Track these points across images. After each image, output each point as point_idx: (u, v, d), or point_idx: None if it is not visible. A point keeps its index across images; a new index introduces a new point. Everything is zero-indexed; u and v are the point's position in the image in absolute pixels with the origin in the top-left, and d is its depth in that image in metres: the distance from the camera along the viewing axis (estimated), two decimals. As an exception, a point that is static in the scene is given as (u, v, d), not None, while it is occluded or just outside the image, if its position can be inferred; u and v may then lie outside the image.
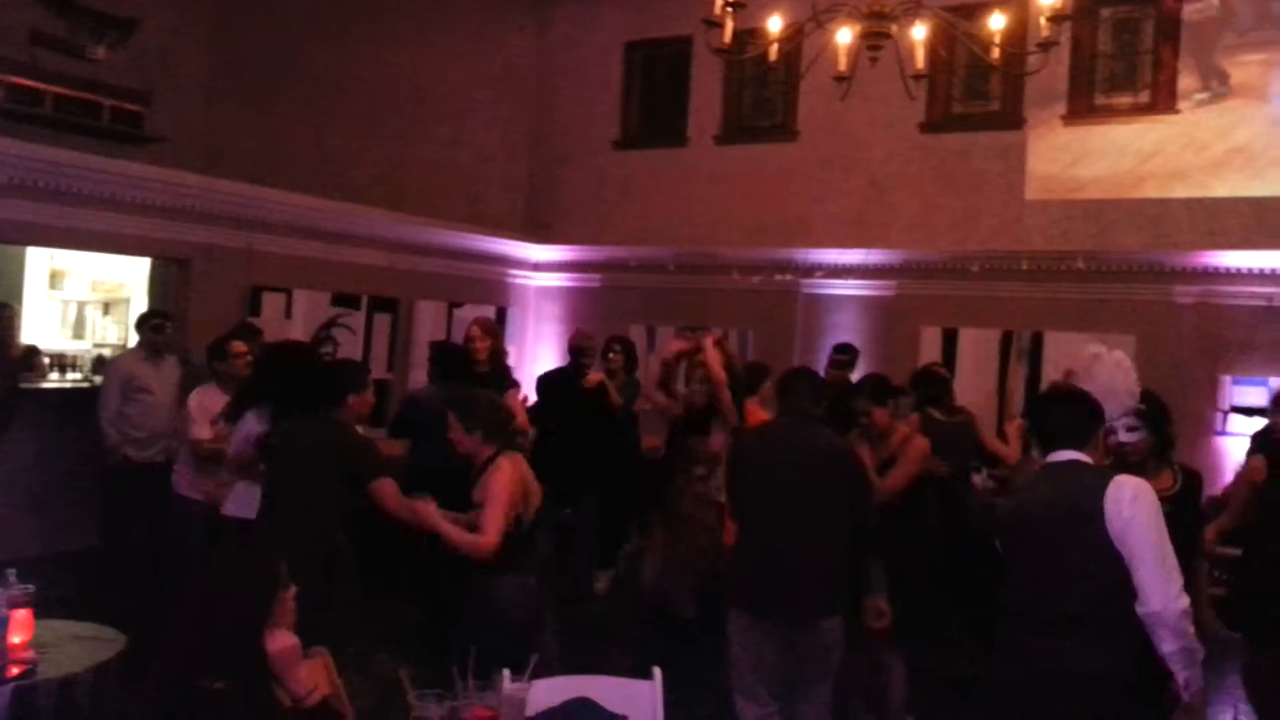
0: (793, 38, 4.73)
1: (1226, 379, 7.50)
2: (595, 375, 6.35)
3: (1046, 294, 8.18)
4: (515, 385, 5.59)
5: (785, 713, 3.58)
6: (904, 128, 8.56)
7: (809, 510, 3.51)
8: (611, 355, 6.51)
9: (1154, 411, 3.34)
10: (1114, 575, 2.62)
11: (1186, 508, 3.23)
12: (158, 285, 7.74)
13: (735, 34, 4.50)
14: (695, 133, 9.79)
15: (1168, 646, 2.58)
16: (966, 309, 8.52)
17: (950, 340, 8.56)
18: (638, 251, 9.86)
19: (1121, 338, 7.58)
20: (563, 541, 6.19)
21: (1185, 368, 7.40)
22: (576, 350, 6.59)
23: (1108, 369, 3.30)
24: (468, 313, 8.95)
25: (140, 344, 6.09)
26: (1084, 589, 2.66)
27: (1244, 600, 4.21)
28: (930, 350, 8.51)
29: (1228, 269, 7.62)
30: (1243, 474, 4.38)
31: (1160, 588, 2.57)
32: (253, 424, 4.13)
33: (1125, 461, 3.21)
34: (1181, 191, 7.71)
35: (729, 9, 4.32)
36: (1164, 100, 7.82)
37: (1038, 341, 8.19)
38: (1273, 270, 7.45)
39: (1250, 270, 7.54)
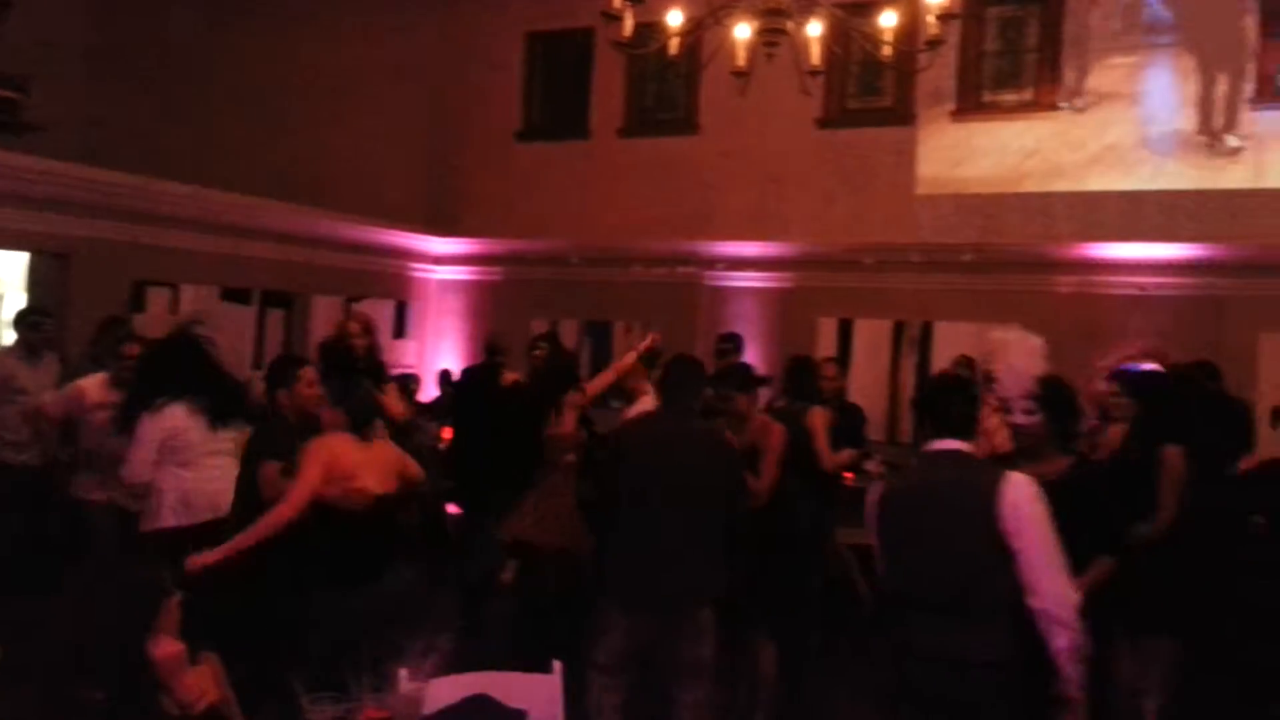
0: (692, 32, 4.77)
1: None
2: (511, 375, 6.29)
3: (936, 285, 8.46)
4: (390, 381, 5.56)
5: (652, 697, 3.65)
6: (801, 123, 8.73)
7: (686, 500, 3.54)
8: (536, 352, 6.46)
9: (1053, 397, 3.36)
10: (1001, 566, 2.66)
11: (1081, 494, 3.21)
12: (36, 281, 7.36)
13: (636, 27, 4.52)
14: (598, 125, 9.78)
15: (1059, 642, 2.63)
16: (861, 300, 8.76)
17: (845, 330, 8.79)
18: (540, 244, 9.82)
19: (1004, 326, 7.91)
20: (472, 533, 6.13)
21: (1065, 354, 7.72)
22: (493, 348, 6.53)
23: (1016, 350, 3.35)
24: (367, 308, 8.78)
25: (16, 342, 5.80)
26: (974, 578, 2.69)
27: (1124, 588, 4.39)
28: (827, 340, 8.72)
29: (1104, 260, 8.02)
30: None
31: (1052, 584, 2.62)
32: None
33: (1019, 444, 3.24)
34: (1061, 186, 8.06)
35: (627, 3, 4.33)
36: (1046, 98, 8.16)
37: (928, 331, 8.48)
38: (1144, 260, 7.86)
39: (1124, 261, 7.95)
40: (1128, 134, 7.90)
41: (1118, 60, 7.92)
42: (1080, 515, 2.94)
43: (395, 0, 9.87)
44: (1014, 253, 8.21)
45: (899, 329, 8.63)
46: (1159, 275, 7.88)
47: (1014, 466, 3.13)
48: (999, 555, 2.65)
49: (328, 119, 9.24)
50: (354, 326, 5.49)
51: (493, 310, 9.96)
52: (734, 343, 7.46)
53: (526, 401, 5.90)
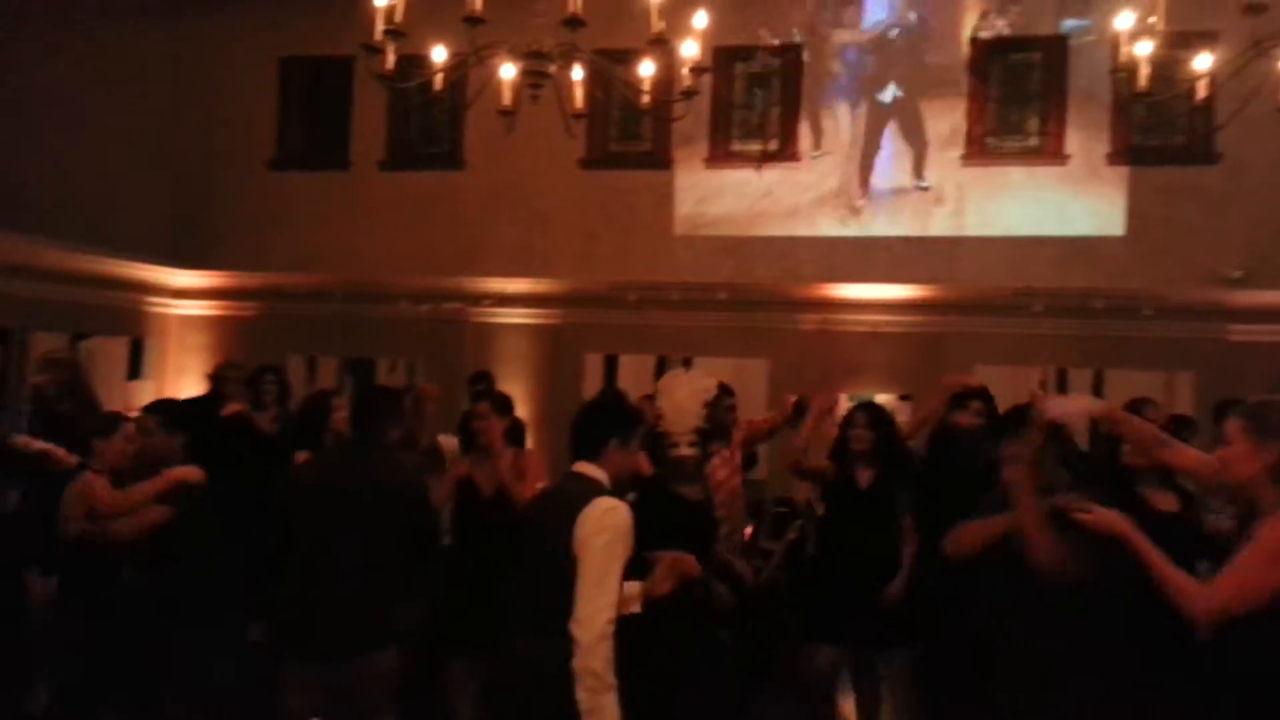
0: (457, 69, 4.79)
1: (843, 397, 8.54)
2: (234, 405, 5.91)
3: (695, 322, 8.87)
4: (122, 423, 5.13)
5: None
6: (565, 162, 8.92)
7: (347, 543, 3.43)
8: (264, 387, 6.14)
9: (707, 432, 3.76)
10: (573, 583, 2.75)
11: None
12: None
13: (398, 60, 4.48)
14: (358, 157, 9.52)
15: (575, 662, 2.66)
16: (626, 336, 9.02)
17: (611, 366, 9.02)
18: (297, 279, 9.40)
19: (757, 361, 8.43)
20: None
21: (809, 387, 8.31)
22: (217, 379, 6.17)
23: (684, 389, 3.61)
24: (95, 345, 8.07)
25: None
26: (554, 596, 2.76)
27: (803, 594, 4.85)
28: (594, 376, 8.91)
29: (841, 299, 8.71)
30: None
31: (587, 606, 2.69)
32: None
33: (680, 473, 3.57)
34: (801, 230, 8.69)
35: (388, 38, 4.29)
36: (790, 148, 8.79)
37: (688, 366, 8.84)
38: (876, 300, 8.62)
39: (859, 300, 8.67)
40: (848, 182, 8.64)
41: (847, 114, 8.68)
42: None
43: (136, 18, 9.20)
44: (763, 292, 8.76)
45: (661, 364, 8.95)
46: (889, 314, 8.67)
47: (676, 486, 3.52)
48: (572, 570, 2.75)
49: (51, 140, 8.43)
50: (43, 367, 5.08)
51: (245, 348, 9.40)
52: (485, 382, 7.43)
53: (252, 434, 5.57)
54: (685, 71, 4.73)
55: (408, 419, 4.01)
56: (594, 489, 2.88)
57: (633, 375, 8.82)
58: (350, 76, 9.30)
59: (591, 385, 8.86)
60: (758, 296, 8.79)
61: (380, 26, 4.26)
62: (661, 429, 3.52)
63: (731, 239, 8.84)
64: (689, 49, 4.70)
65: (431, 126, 9.55)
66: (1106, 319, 8.18)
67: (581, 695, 2.64)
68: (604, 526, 2.75)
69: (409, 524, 3.52)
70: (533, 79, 4.56)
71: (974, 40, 8.45)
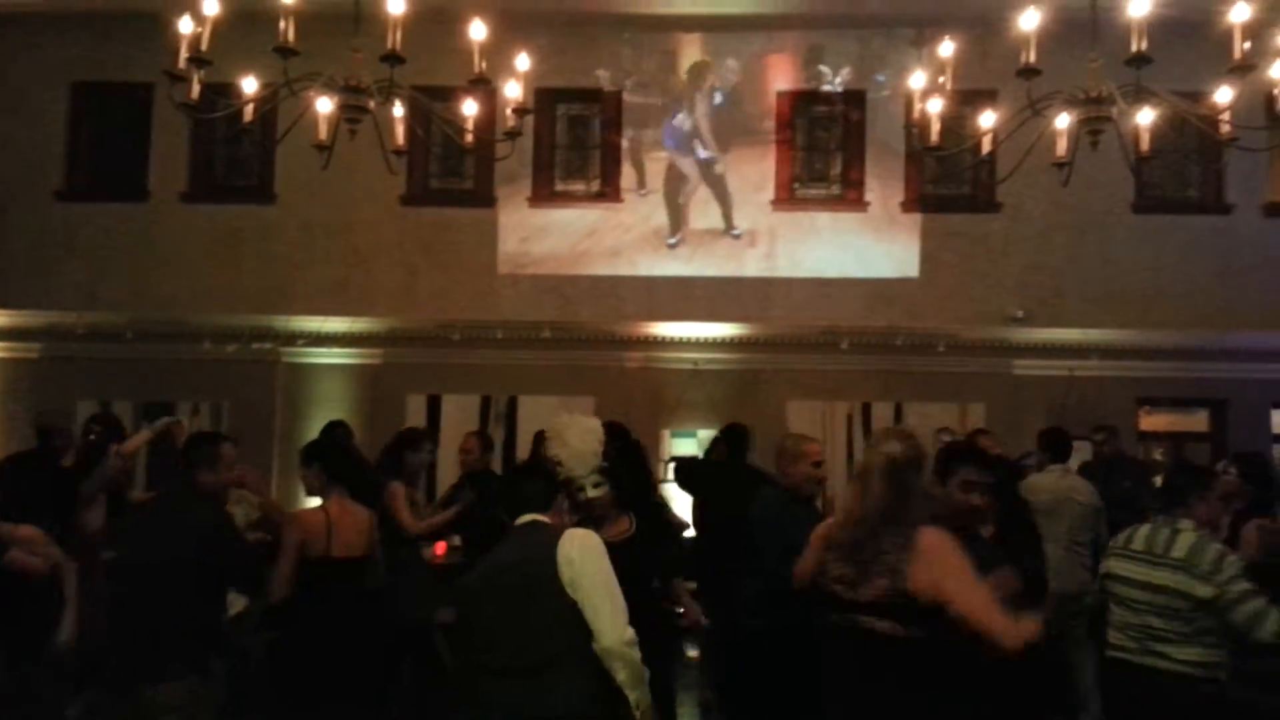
0: (268, 100, 4.62)
1: (666, 432, 8.72)
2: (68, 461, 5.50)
3: (520, 361, 8.84)
4: None
5: None
6: (385, 199, 8.74)
7: (144, 580, 3.52)
8: (92, 436, 5.74)
9: (615, 467, 3.77)
10: (571, 621, 2.88)
11: (643, 547, 3.69)
12: None
13: (204, 88, 4.28)
14: (157, 188, 8.96)
15: (620, 675, 2.88)
16: (449, 376, 8.88)
17: (434, 406, 8.84)
18: (89, 317, 8.73)
19: (583, 399, 8.47)
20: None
21: (635, 423, 8.44)
22: (45, 431, 5.69)
23: (575, 433, 3.65)
24: None
25: None
26: (545, 639, 2.89)
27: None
28: (416, 417, 8.71)
29: (664, 338, 8.91)
30: None
31: (610, 624, 2.86)
32: None
33: (591, 513, 3.56)
34: (624, 270, 8.85)
35: (193, 65, 4.10)
36: (610, 190, 8.96)
37: (513, 405, 8.81)
38: (697, 338, 8.87)
39: (681, 338, 8.90)
40: (666, 225, 8.90)
41: (663, 157, 8.95)
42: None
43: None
44: (587, 330, 8.85)
45: (486, 404, 8.86)
46: (708, 351, 8.93)
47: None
48: (563, 608, 2.88)
49: None
50: None
51: (29, 392, 8.65)
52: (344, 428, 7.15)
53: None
54: (509, 112, 4.76)
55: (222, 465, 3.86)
56: (550, 530, 3.02)
57: (456, 416, 8.68)
58: (149, 104, 8.78)
59: (413, 425, 8.64)
60: (582, 335, 8.86)
61: (185, 54, 4.06)
62: (564, 476, 3.51)
63: (556, 278, 8.89)
64: (512, 90, 4.72)
65: (239, 158, 9.16)
66: (906, 355, 8.73)
67: (634, 694, 2.89)
68: (588, 548, 2.92)
69: (210, 564, 3.57)
70: (351, 113, 4.45)
71: (781, 93, 8.91)
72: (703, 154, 8.87)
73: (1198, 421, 9.14)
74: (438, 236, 8.94)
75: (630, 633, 2.89)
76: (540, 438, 5.99)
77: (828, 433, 8.73)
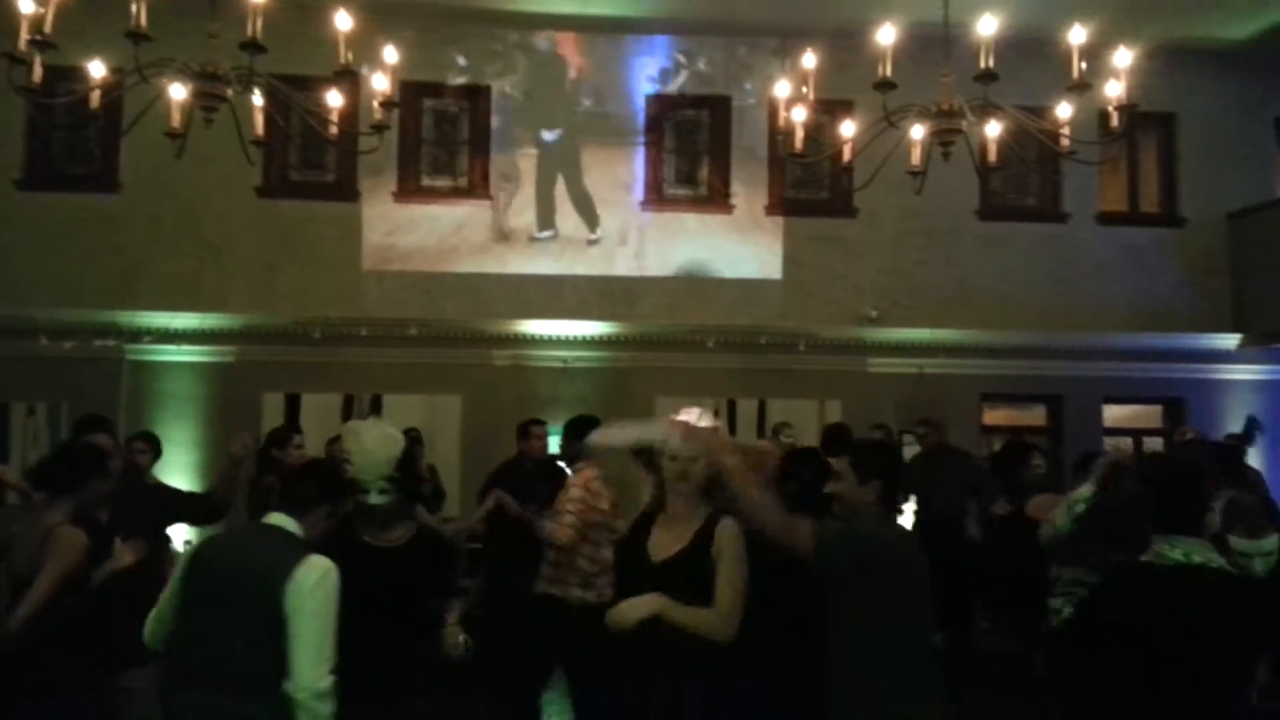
0: (116, 86, 4.38)
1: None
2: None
3: (385, 359, 8.64)
4: None
5: None
6: (241, 191, 8.40)
7: None
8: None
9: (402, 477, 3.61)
10: (281, 647, 2.67)
11: (418, 556, 3.51)
12: None
13: (46, 70, 4.02)
14: (-13, 173, 8.36)
15: None
16: (309, 375, 8.60)
17: (293, 405, 8.54)
18: (-96, 311, 8.05)
19: (449, 397, 8.37)
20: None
21: (503, 422, 8.38)
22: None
23: (372, 436, 3.54)
24: None
25: None
26: (264, 652, 2.67)
27: None
28: (273, 416, 8.40)
29: (533, 335, 8.88)
30: None
31: (308, 667, 2.64)
32: None
33: (374, 519, 3.43)
34: (493, 268, 8.79)
35: (34, 47, 3.84)
36: (478, 186, 8.87)
37: (378, 404, 8.60)
38: (566, 336, 8.88)
39: (550, 336, 8.89)
40: (531, 223, 8.89)
41: (531, 153, 8.94)
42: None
43: None
44: (455, 328, 8.73)
45: (349, 403, 8.62)
46: (579, 349, 8.96)
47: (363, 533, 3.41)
48: (278, 630, 2.67)
49: None
50: None
51: None
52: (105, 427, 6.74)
53: None
54: (375, 105, 4.65)
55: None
56: (298, 547, 2.81)
57: (317, 415, 8.40)
58: (-23, 82, 8.14)
59: (271, 425, 8.33)
60: (449, 332, 8.74)
61: (25, 35, 3.80)
62: (350, 476, 3.39)
63: (422, 274, 8.74)
64: (379, 82, 4.62)
65: (81, 144, 8.61)
66: (769, 353, 8.98)
67: None
68: (320, 589, 2.71)
69: None
70: (206, 101, 4.26)
71: (650, 96, 9.03)
72: (551, 136, 8.85)
73: (1036, 416, 9.75)
74: (297, 230, 8.65)
75: (325, 685, 2.65)
76: (335, 438, 5.90)
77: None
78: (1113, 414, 9.60)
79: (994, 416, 9.65)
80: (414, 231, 8.78)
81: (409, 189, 8.81)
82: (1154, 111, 8.43)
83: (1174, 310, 9.24)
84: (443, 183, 8.94)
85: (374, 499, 3.39)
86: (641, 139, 8.99)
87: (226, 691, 2.67)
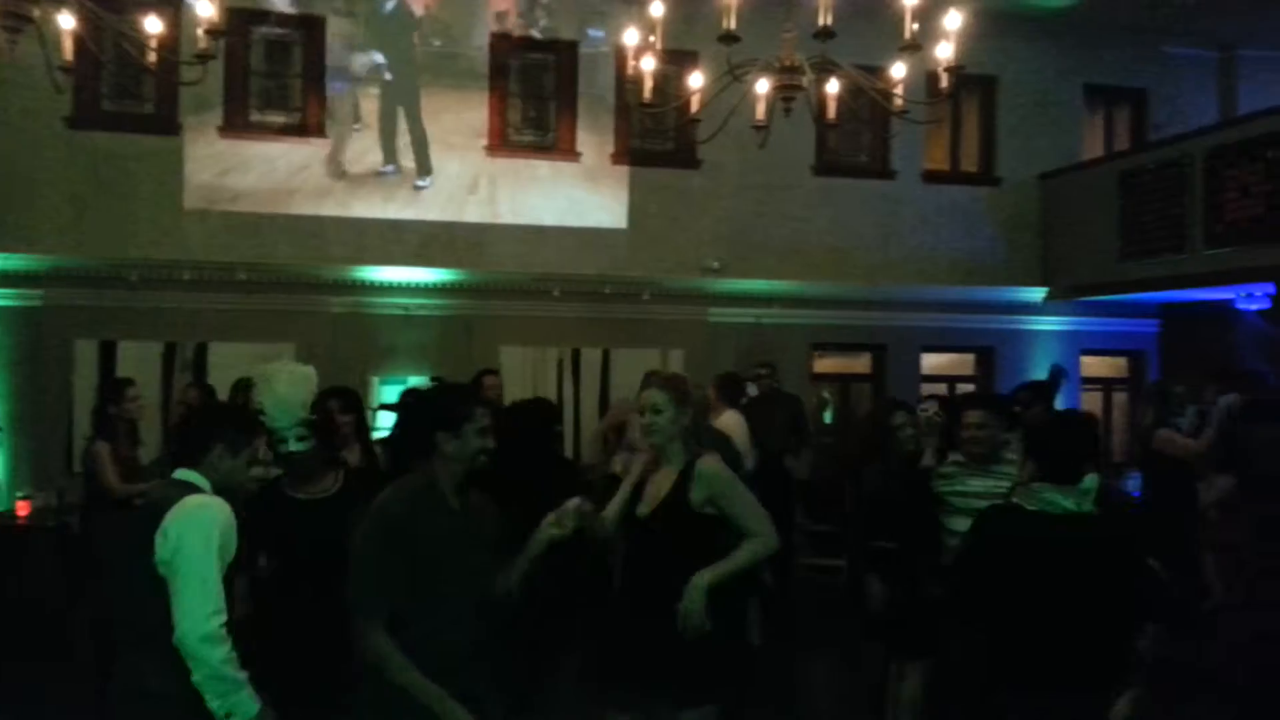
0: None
1: (375, 380, 8.49)
2: None
3: (211, 305, 8.21)
4: None
5: None
6: (47, 120, 7.73)
7: None
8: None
9: (324, 423, 3.44)
10: (160, 593, 2.56)
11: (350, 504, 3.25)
12: None
13: None
14: None
15: (195, 675, 2.50)
16: (126, 320, 8.07)
17: (109, 354, 8.01)
18: None
19: (282, 346, 8.04)
20: None
21: (341, 372, 8.13)
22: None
23: (283, 379, 3.38)
24: None
25: None
26: (150, 609, 2.56)
27: None
28: (86, 365, 7.87)
29: (373, 282, 8.63)
30: None
31: (186, 613, 2.50)
32: None
33: (298, 470, 3.29)
34: (329, 210, 8.45)
35: None
36: (314, 123, 8.47)
37: (203, 352, 8.17)
38: (408, 284, 8.67)
39: (390, 283, 8.66)
40: (378, 163, 8.60)
41: (373, 92, 8.61)
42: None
43: None
44: (288, 273, 8.37)
45: (171, 350, 8.15)
46: (421, 297, 8.76)
47: (291, 486, 3.28)
48: (157, 581, 2.56)
49: None
50: None
51: None
52: None
53: None
54: (200, 32, 4.36)
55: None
56: (183, 492, 2.66)
57: (134, 364, 7.89)
58: None
59: (85, 377, 7.80)
60: (282, 277, 8.38)
61: None
62: (268, 427, 3.19)
63: (252, 216, 8.31)
64: (204, 8, 4.33)
65: None
66: (613, 303, 9.06)
67: (215, 704, 2.51)
68: (193, 523, 2.56)
69: None
70: (11, 22, 3.89)
71: (495, 38, 8.82)
72: (386, 75, 8.57)
73: (862, 364, 10.26)
74: (111, 164, 8.04)
75: (209, 628, 2.50)
76: (242, 384, 5.67)
77: (539, 378, 8.91)
78: (930, 362, 10.22)
79: (823, 365, 10.10)
80: (247, 170, 8.31)
81: (237, 124, 8.32)
82: (976, 74, 8.88)
83: (989, 265, 9.88)
84: (275, 118, 8.49)
85: (293, 446, 3.21)
86: (488, 83, 8.80)
87: (132, 654, 2.63)
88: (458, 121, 8.72)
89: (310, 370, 3.41)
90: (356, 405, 4.45)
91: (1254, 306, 8.55)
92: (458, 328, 8.75)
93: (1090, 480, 3.06)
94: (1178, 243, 8.38)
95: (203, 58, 4.45)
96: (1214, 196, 8.04)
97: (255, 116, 8.44)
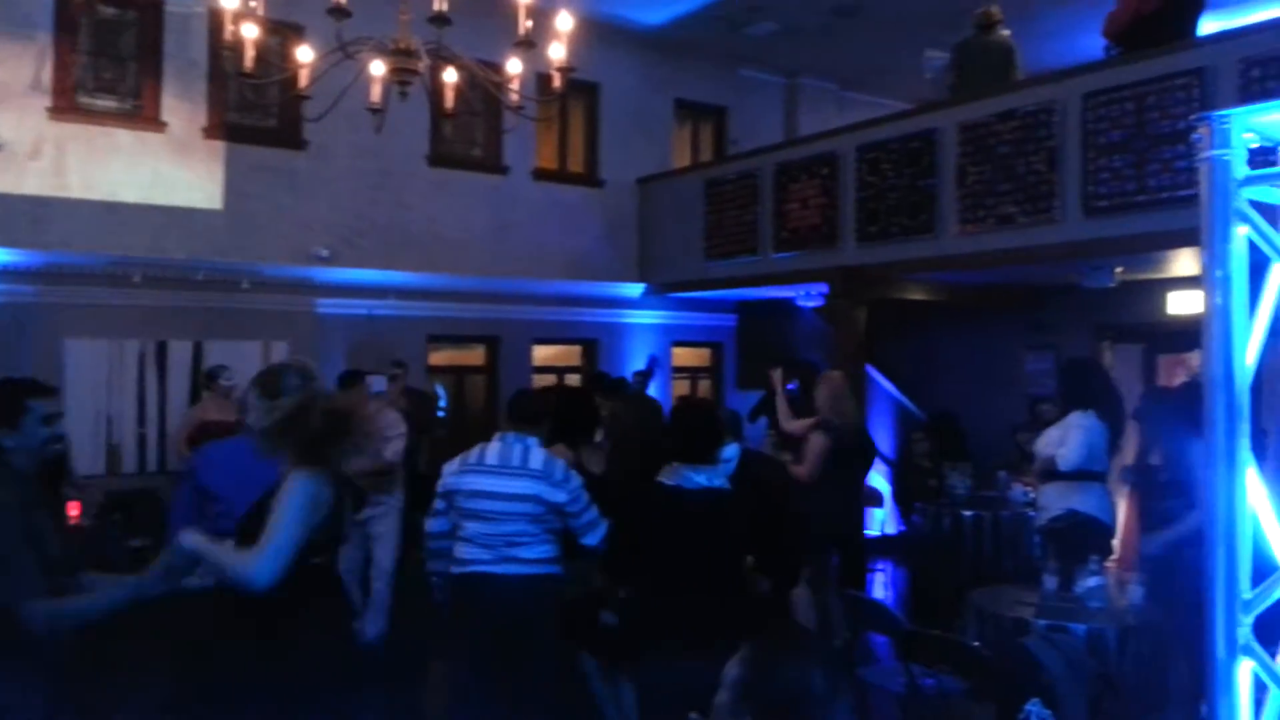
0: None
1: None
2: None
3: None
4: None
5: None
6: None
7: None
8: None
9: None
10: None
11: None
12: None
13: None
14: None
15: None
16: None
17: None
18: None
19: None
20: None
21: None
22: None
23: None
24: None
25: None
26: None
27: None
28: None
29: None
30: None
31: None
32: None
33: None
34: None
35: None
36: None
37: None
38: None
39: None
40: None
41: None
42: None
43: None
44: None
45: None
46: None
47: None
48: None
49: None
50: None
51: None
52: None
53: None
54: None
55: None
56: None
57: None
58: None
59: None
60: None
61: None
62: None
63: None
64: None
65: None
66: (206, 291, 8.31)
67: None
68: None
69: None
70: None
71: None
72: None
73: (477, 356, 10.37)
74: None
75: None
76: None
77: (116, 375, 7.95)
78: (541, 353, 10.60)
79: (439, 357, 10.06)
80: None
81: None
82: (582, 80, 9.33)
83: (594, 261, 10.43)
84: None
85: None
86: (50, 35, 7.63)
87: None
88: (18, 76, 7.48)
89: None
90: None
91: (811, 304, 9.86)
92: (13, 317, 7.53)
93: (731, 450, 3.67)
94: (752, 246, 9.43)
95: None
96: (781, 206, 9.14)
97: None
